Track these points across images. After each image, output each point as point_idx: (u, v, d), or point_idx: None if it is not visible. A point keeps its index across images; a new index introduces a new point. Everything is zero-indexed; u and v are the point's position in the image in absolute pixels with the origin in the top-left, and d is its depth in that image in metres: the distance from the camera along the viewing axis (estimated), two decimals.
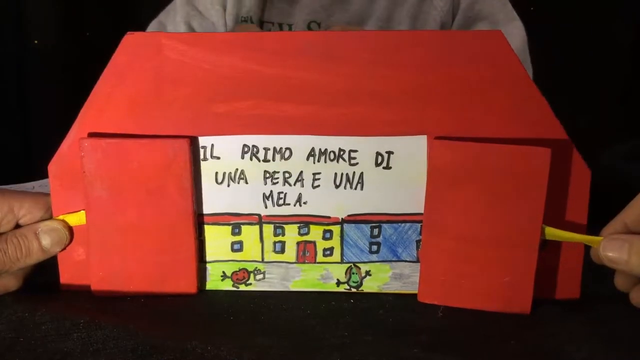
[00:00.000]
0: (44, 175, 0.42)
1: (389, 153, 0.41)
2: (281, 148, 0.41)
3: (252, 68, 0.40)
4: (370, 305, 0.41)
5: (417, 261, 0.42)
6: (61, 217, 0.41)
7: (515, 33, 0.75)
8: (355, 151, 0.41)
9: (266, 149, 0.41)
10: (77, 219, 0.41)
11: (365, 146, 0.41)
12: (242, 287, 0.43)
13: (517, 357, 0.35)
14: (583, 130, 0.44)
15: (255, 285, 0.43)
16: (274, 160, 0.41)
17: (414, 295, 0.41)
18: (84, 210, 0.41)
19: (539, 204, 0.38)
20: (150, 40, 0.40)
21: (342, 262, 0.42)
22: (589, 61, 0.97)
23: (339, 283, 0.43)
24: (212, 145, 0.41)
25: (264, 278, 0.43)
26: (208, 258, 0.42)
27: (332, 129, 0.41)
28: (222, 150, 0.41)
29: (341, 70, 0.40)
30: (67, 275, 0.42)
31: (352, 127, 0.41)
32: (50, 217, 0.41)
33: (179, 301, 0.41)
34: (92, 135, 0.41)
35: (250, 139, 0.41)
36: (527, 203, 0.38)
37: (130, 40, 0.40)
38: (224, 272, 0.42)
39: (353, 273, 0.42)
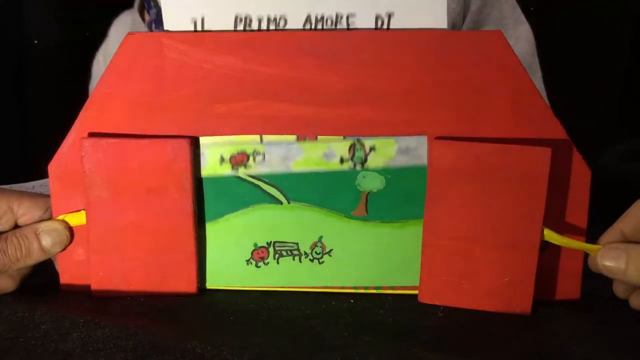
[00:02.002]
0: (43, 175, 0.42)
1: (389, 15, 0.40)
2: (275, 17, 0.39)
3: (253, 68, 0.40)
4: (370, 305, 0.41)
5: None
6: (61, 217, 0.41)
7: (524, 37, 0.76)
8: (354, 15, 0.39)
9: (260, 19, 0.39)
10: (77, 219, 0.41)
11: (364, 10, 0.39)
12: (242, 170, 0.42)
13: (517, 357, 0.35)
14: (583, 130, 0.44)
15: (255, 167, 0.42)
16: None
17: (414, 295, 0.41)
18: (84, 210, 0.41)
19: (539, 204, 0.38)
20: (151, 40, 0.40)
21: (345, 138, 0.42)
22: (589, 61, 0.97)
23: (342, 160, 0.42)
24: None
25: (263, 160, 0.41)
26: (203, 141, 0.41)
27: (332, 129, 0.41)
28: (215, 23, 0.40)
29: (341, 70, 0.40)
30: (67, 275, 0.42)
31: (352, 127, 0.41)
32: (49, 217, 0.41)
33: (179, 301, 0.41)
34: (92, 135, 0.41)
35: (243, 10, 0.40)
36: (528, 203, 0.38)
37: (131, 40, 0.40)
38: (222, 155, 0.41)
39: (357, 149, 0.42)
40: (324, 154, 0.42)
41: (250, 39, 0.40)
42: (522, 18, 0.78)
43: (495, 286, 0.40)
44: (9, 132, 0.99)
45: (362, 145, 0.41)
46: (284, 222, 0.42)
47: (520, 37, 0.75)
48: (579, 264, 0.41)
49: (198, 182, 0.41)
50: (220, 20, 0.40)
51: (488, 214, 0.39)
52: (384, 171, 0.41)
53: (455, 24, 0.78)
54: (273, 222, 0.42)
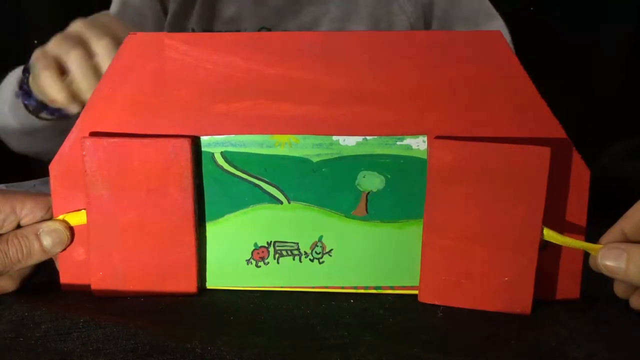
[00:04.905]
0: (44, 175, 0.42)
1: None
2: None
3: (254, 68, 0.40)
4: (370, 305, 0.41)
5: None
6: (62, 216, 0.41)
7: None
8: None
9: None
10: (77, 218, 0.41)
11: None
12: None
13: (517, 357, 0.35)
14: (583, 130, 0.44)
15: None
16: None
17: (414, 295, 0.41)
18: (84, 209, 0.41)
19: (538, 204, 0.38)
20: (153, 40, 0.40)
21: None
22: (589, 61, 0.97)
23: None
24: None
25: None
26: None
27: (332, 129, 0.41)
28: None
29: (341, 70, 0.40)
30: (67, 275, 0.42)
31: (352, 127, 0.41)
32: (51, 217, 0.41)
33: (179, 301, 0.41)
34: (93, 134, 0.41)
35: None
36: (527, 202, 0.38)
37: (133, 40, 0.40)
38: None
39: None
40: None
41: (251, 39, 0.40)
42: (493, 11, 0.79)
43: (495, 286, 0.40)
44: None
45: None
46: (284, 222, 0.42)
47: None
48: (578, 263, 0.41)
49: (198, 182, 0.41)
50: None
51: (488, 214, 0.39)
52: (384, 171, 0.41)
53: (414, 28, 0.79)
54: (273, 222, 0.42)
